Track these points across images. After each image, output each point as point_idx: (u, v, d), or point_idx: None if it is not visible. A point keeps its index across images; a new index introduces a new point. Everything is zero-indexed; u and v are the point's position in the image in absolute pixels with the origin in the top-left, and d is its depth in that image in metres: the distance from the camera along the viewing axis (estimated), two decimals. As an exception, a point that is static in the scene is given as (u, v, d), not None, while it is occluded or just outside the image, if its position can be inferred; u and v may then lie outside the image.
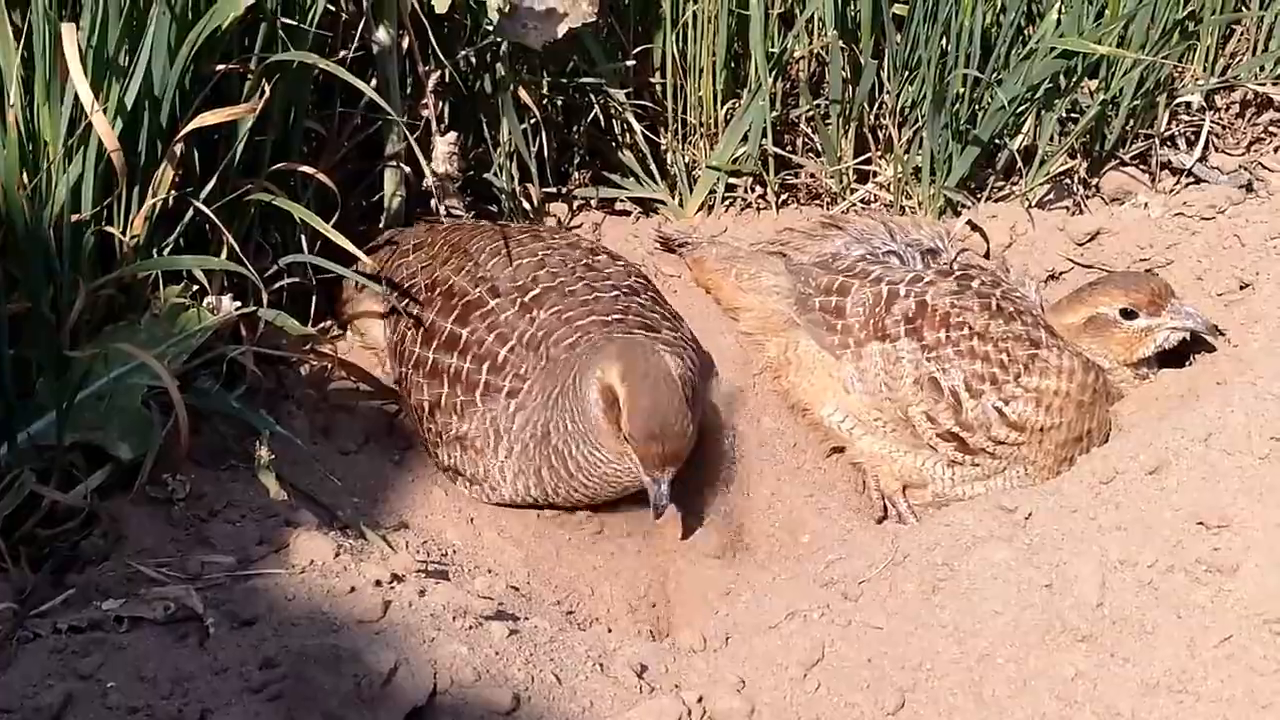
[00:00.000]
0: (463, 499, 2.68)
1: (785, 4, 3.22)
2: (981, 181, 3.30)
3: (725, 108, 3.26)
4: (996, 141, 3.26)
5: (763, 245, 3.09)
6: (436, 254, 2.83)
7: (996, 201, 3.29)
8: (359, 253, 2.68)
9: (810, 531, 2.73)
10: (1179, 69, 3.38)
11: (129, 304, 2.52)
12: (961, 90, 3.18)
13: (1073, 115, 3.32)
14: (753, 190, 3.33)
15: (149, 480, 2.32)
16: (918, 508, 2.82)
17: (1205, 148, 3.39)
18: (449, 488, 2.70)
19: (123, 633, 2.04)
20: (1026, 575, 2.16)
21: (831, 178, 3.29)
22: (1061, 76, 3.20)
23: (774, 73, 3.18)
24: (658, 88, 3.28)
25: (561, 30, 2.90)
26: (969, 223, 3.18)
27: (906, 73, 3.20)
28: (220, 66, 2.59)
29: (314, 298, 2.88)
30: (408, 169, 3.01)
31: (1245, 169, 3.38)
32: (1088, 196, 3.35)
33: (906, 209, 3.26)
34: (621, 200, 3.35)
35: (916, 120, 3.22)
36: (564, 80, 3.24)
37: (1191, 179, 3.37)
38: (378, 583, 2.15)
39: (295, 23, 2.66)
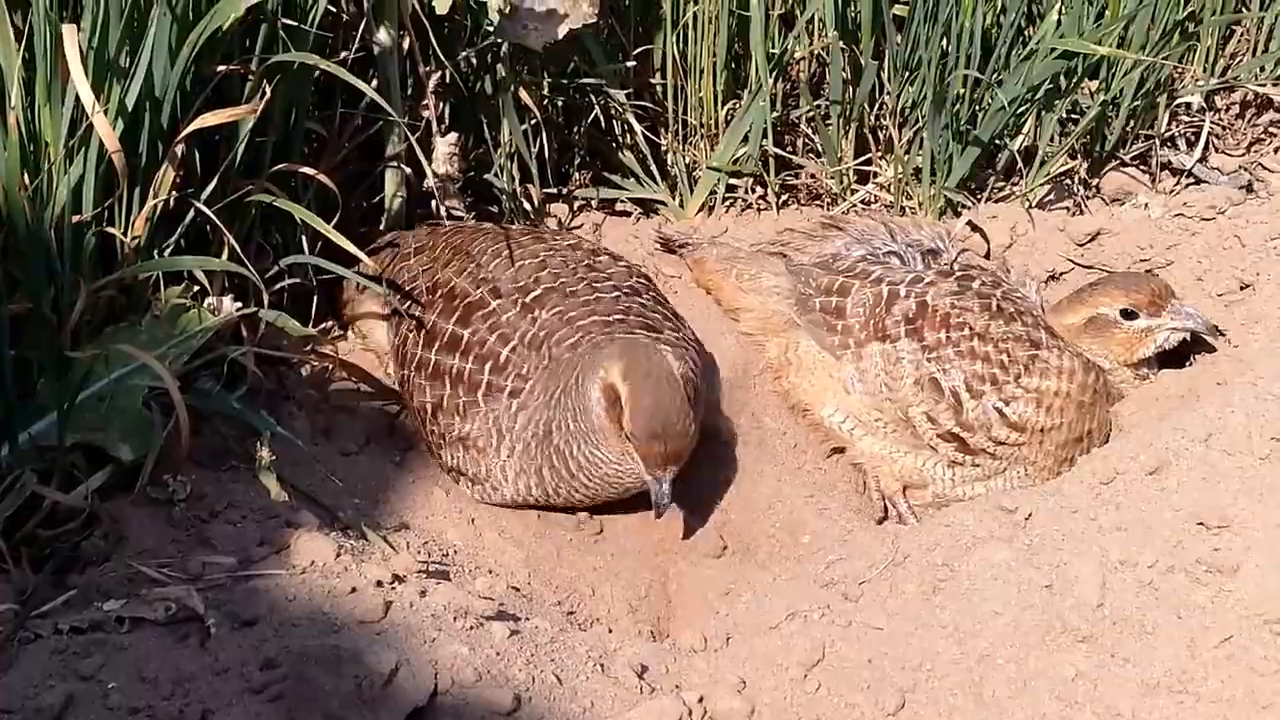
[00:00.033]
0: (464, 500, 2.68)
1: (786, 5, 3.22)
2: (982, 182, 3.30)
3: (726, 108, 3.26)
4: (997, 142, 3.26)
5: (763, 246, 3.09)
6: (438, 256, 2.83)
7: (997, 202, 3.29)
8: (360, 254, 2.67)
9: (811, 532, 2.73)
10: (1179, 70, 3.38)
11: (130, 305, 2.53)
12: (962, 91, 3.18)
13: (1073, 116, 3.32)
14: (753, 191, 3.33)
15: (150, 481, 2.32)
16: (918, 508, 2.82)
17: (1205, 148, 3.39)
18: (450, 488, 2.70)
19: (124, 633, 2.04)
20: (1027, 576, 2.16)
21: (832, 178, 3.29)
22: (1062, 77, 3.19)
23: (774, 73, 3.18)
24: (658, 88, 3.28)
25: (562, 31, 2.89)
26: (969, 223, 3.18)
27: (907, 73, 3.20)
28: (221, 67, 2.59)
29: (315, 299, 2.88)
30: (408, 170, 3.01)
31: (1245, 170, 3.38)
32: (1088, 197, 3.35)
33: (907, 210, 3.26)
34: (622, 201, 3.35)
35: (917, 121, 3.22)
36: (565, 81, 3.24)
37: (1192, 179, 3.37)
38: (379, 583, 2.15)
39: (296, 24, 2.65)
